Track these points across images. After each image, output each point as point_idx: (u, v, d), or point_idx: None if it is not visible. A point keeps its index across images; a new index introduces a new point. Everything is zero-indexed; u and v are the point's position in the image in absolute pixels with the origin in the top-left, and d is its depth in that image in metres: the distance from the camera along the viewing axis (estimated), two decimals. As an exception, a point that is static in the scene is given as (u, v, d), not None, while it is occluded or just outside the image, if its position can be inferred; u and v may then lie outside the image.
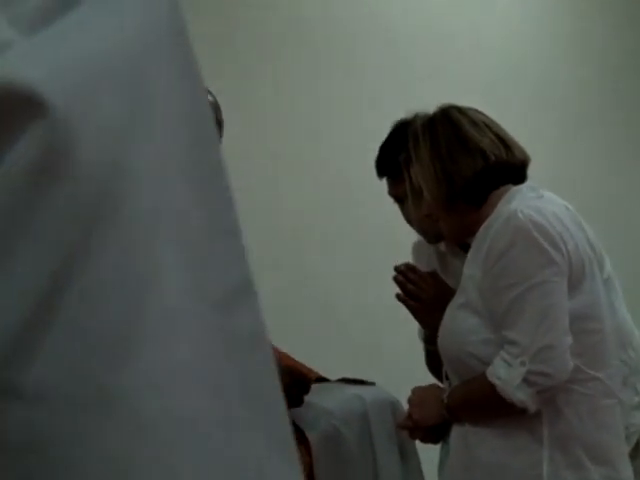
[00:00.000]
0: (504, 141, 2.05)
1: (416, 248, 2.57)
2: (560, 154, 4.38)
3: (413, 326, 2.70)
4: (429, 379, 2.53)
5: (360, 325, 3.74)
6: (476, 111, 2.10)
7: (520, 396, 1.89)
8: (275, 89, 3.71)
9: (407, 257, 2.48)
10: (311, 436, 2.21)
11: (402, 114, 2.39)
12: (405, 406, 2.25)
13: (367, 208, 3.70)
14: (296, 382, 2.22)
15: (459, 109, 2.09)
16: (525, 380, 1.88)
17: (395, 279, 2.28)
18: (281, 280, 3.56)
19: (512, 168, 2.05)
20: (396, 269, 2.30)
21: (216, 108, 2.38)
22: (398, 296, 2.31)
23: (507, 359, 1.90)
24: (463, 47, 4.20)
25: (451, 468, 2.07)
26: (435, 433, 2.15)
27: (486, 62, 4.29)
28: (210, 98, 2.39)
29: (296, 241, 3.67)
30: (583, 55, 4.65)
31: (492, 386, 1.91)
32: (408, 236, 2.52)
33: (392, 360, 3.58)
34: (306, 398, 2.25)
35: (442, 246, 2.50)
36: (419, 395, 2.13)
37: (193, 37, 0.51)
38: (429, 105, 2.27)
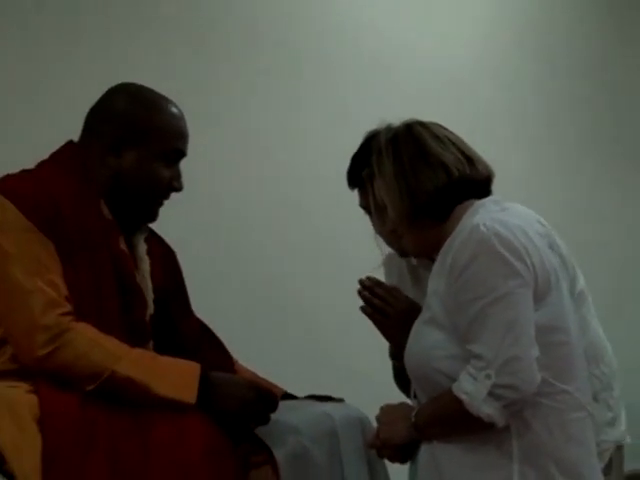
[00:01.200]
0: (467, 156, 2.01)
1: (387, 262, 2.53)
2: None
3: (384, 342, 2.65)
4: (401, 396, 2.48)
5: (333, 341, 3.68)
6: (440, 126, 2.06)
7: (487, 410, 1.83)
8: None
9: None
10: (278, 455, 2.13)
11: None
12: (374, 423, 2.19)
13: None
14: (262, 399, 2.14)
15: (422, 124, 2.05)
16: (491, 394, 1.83)
17: (360, 294, 2.23)
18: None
19: (476, 183, 2.01)
20: (361, 283, 2.25)
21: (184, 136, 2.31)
22: (364, 309, 2.26)
23: (472, 373, 1.85)
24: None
25: (420, 487, 2.00)
26: (403, 452, 2.08)
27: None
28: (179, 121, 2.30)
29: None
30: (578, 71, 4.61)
31: (459, 401, 1.86)
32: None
33: (364, 376, 3.52)
34: (272, 416, 2.17)
35: (414, 260, 2.46)
36: (387, 413, 2.07)
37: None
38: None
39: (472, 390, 1.85)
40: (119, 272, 2.21)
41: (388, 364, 2.59)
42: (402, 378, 2.42)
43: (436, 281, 1.98)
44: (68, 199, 2.17)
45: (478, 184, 2.03)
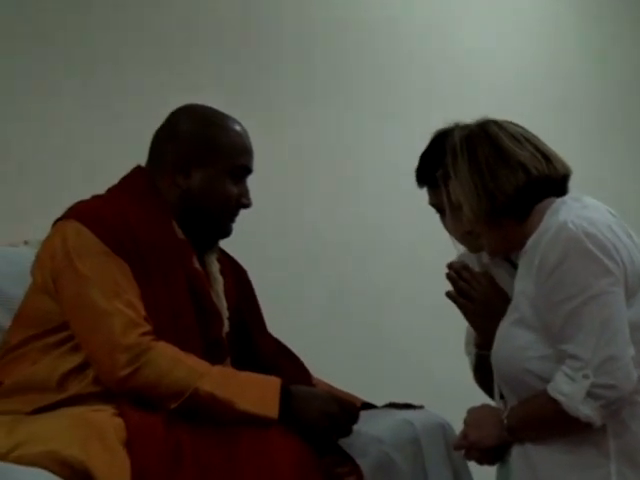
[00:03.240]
0: (545, 154, 1.94)
1: (460, 259, 2.47)
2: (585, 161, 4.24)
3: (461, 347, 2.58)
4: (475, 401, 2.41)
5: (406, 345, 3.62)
6: (514, 124, 2.00)
7: (585, 411, 1.76)
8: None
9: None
10: (363, 465, 2.08)
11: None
12: (457, 428, 2.13)
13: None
14: (344, 411, 2.09)
15: (497, 122, 1.98)
16: (589, 394, 1.76)
17: (448, 276, 2.20)
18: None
19: (554, 181, 1.94)
20: (449, 266, 2.21)
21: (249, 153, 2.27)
22: (449, 294, 2.22)
23: (569, 374, 1.77)
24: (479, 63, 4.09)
25: (514, 489, 1.93)
26: (492, 454, 2.01)
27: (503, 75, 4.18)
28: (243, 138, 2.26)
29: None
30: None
31: (555, 402, 1.79)
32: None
33: (439, 382, 3.45)
34: (354, 426, 2.12)
35: (485, 257, 2.40)
36: (475, 415, 2.00)
37: None
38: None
39: (570, 391, 1.78)
40: (195, 291, 2.17)
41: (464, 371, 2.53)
42: (483, 370, 2.35)
43: (523, 282, 1.91)
44: (141, 221, 2.14)
45: (556, 182, 1.96)
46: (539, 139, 1.99)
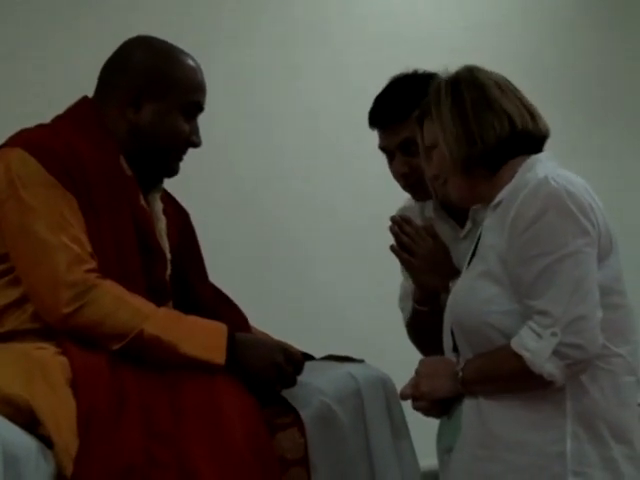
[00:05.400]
0: (530, 110, 1.86)
1: (402, 212, 2.40)
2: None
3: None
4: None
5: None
6: (502, 76, 1.91)
7: (550, 369, 1.69)
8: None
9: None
10: (305, 417, 1.99)
11: None
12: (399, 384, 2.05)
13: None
14: (290, 361, 1.99)
15: (486, 71, 1.89)
16: (556, 352, 1.69)
17: (390, 229, 2.15)
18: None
19: (535, 139, 1.87)
20: (392, 219, 2.16)
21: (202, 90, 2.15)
22: (392, 247, 2.18)
23: (536, 330, 1.70)
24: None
25: (463, 444, 1.84)
26: (441, 407, 1.94)
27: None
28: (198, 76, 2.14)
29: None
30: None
31: (518, 357, 1.71)
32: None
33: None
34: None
35: (429, 211, 2.34)
36: (428, 366, 1.91)
37: None
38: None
39: (535, 347, 1.71)
40: (140, 230, 2.02)
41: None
42: (421, 323, 2.28)
43: (492, 235, 1.83)
44: (88, 153, 1.97)
45: (537, 140, 1.89)
46: (524, 95, 1.91)
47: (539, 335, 1.72)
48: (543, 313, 1.72)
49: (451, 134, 1.86)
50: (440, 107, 1.88)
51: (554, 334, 1.70)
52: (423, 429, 2.21)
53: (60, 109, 2.12)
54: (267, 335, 2.29)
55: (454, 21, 3.99)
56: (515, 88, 1.91)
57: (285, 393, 2.01)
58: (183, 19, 3.41)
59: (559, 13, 4.27)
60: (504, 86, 1.89)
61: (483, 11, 4.10)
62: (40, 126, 2.05)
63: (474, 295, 1.82)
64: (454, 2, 4.07)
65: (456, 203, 2.00)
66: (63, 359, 1.79)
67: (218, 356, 1.90)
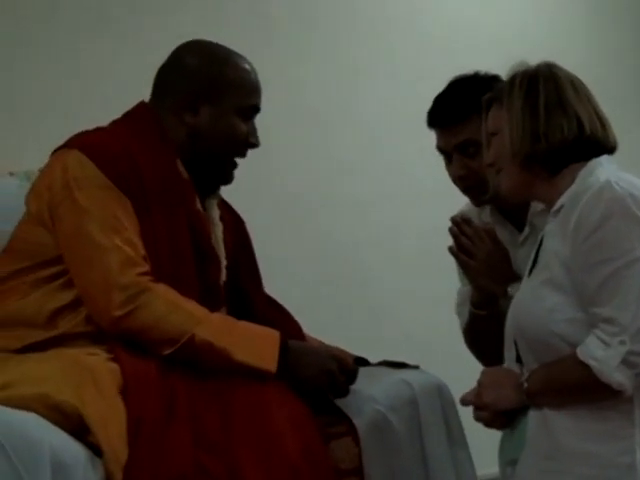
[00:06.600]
0: (602, 119, 1.78)
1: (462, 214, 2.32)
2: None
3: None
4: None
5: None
6: (579, 78, 1.83)
7: (618, 378, 1.60)
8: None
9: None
10: (359, 425, 1.91)
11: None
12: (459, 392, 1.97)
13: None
14: (343, 370, 1.92)
15: (564, 70, 1.82)
16: (624, 361, 1.60)
17: (450, 230, 2.10)
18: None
19: (602, 147, 1.78)
20: (452, 220, 2.10)
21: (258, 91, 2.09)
22: (451, 249, 2.12)
23: (604, 338, 1.61)
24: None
25: (529, 457, 1.76)
26: (504, 418, 1.85)
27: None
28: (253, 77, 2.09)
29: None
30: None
31: (586, 367, 1.63)
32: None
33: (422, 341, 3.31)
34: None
35: (486, 216, 2.26)
36: (492, 376, 1.83)
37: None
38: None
39: (603, 356, 1.63)
40: (195, 234, 1.97)
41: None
42: (478, 328, 2.21)
43: (555, 241, 1.74)
44: (145, 157, 1.93)
45: (603, 150, 1.80)
46: (598, 103, 1.84)
47: (607, 344, 1.63)
48: (610, 321, 1.64)
49: (517, 126, 1.79)
50: (512, 97, 1.81)
51: (622, 342, 1.62)
52: (482, 438, 2.14)
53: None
54: (322, 343, 2.24)
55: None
56: (590, 93, 1.83)
57: (338, 401, 1.95)
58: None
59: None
60: (580, 89, 1.82)
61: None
62: (98, 129, 2.02)
63: (538, 304, 1.74)
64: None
65: (505, 195, 1.92)
66: (114, 366, 1.74)
67: (270, 363, 1.84)
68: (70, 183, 1.87)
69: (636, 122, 4.00)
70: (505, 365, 1.90)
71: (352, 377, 1.95)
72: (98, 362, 1.74)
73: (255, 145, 2.09)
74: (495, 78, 2.17)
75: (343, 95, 3.47)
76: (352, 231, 3.42)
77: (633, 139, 3.16)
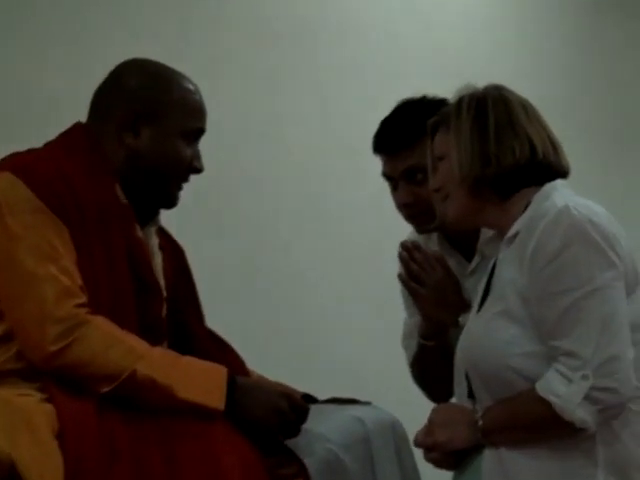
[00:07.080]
0: (554, 143, 1.71)
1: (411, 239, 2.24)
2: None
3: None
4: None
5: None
6: (529, 101, 1.76)
7: (581, 415, 1.52)
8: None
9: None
10: (310, 466, 1.80)
11: None
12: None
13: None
14: (294, 408, 1.81)
15: (514, 92, 1.75)
16: (587, 397, 1.52)
17: (399, 255, 2.01)
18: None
19: (554, 172, 1.71)
20: (402, 245, 2.01)
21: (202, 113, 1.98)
22: (400, 276, 2.04)
23: (565, 373, 1.53)
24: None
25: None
26: (454, 458, 1.76)
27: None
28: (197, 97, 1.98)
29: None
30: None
31: (546, 404, 1.55)
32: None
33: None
34: (301, 425, 1.84)
35: (434, 244, 2.18)
36: (444, 414, 1.73)
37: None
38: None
39: (565, 392, 1.54)
40: (135, 263, 1.84)
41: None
42: (427, 359, 2.12)
43: (511, 269, 1.66)
44: (81, 180, 1.80)
45: (555, 174, 1.74)
46: (548, 125, 1.77)
47: (568, 379, 1.55)
48: (571, 354, 1.56)
49: (466, 150, 1.71)
50: (460, 119, 1.74)
51: (585, 377, 1.54)
52: (435, 476, 2.04)
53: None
54: (266, 379, 2.12)
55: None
56: (541, 117, 1.77)
57: (288, 441, 1.83)
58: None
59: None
60: (531, 112, 1.75)
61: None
62: (30, 150, 1.88)
63: (492, 336, 1.65)
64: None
65: (452, 222, 1.84)
66: (49, 407, 1.60)
67: (217, 401, 1.71)
68: (1, 208, 1.72)
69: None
70: (455, 400, 1.81)
71: (303, 416, 1.83)
72: (31, 403, 1.60)
73: (199, 170, 1.96)
74: (443, 102, 2.10)
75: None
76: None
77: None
